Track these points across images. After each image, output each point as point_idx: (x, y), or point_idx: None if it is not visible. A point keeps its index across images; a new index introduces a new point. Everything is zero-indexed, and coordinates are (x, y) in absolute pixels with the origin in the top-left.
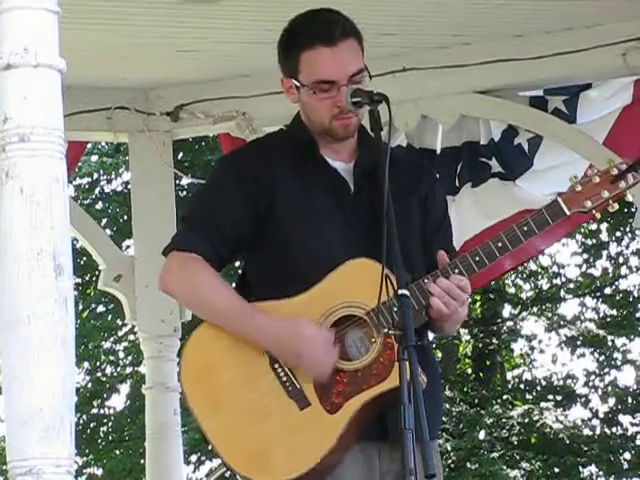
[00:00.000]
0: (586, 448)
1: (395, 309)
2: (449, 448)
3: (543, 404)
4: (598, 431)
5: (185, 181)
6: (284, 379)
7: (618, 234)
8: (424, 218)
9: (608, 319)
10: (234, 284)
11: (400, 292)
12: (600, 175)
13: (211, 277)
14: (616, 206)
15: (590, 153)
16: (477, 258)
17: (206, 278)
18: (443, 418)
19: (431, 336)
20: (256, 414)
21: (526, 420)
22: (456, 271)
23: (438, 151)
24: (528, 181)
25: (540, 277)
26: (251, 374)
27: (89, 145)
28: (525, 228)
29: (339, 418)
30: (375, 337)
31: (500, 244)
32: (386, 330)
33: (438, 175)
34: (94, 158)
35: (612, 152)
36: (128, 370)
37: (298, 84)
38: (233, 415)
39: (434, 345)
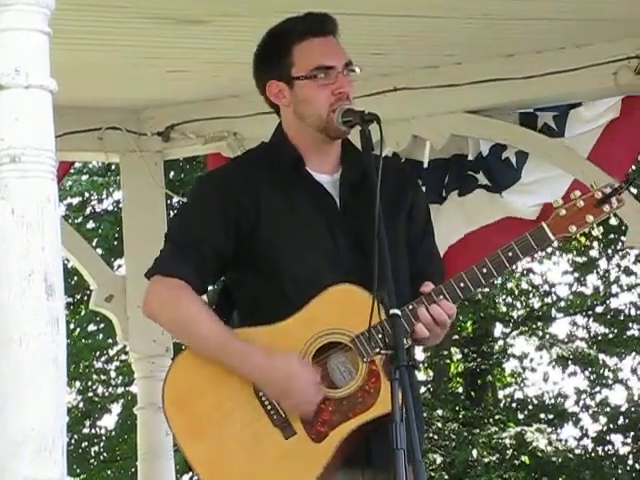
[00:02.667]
0: (578, 471)
1: (380, 335)
2: (442, 466)
3: (535, 426)
4: (590, 450)
5: (176, 200)
6: (268, 407)
7: (609, 252)
8: (409, 226)
9: (599, 338)
10: (216, 298)
11: (392, 312)
12: (584, 199)
13: (198, 306)
14: (600, 229)
15: (579, 171)
16: (462, 284)
17: (192, 307)
18: (435, 436)
19: (420, 357)
20: (241, 443)
21: (518, 442)
22: (441, 297)
23: (425, 165)
24: (515, 194)
25: (531, 296)
26: (235, 402)
27: (78, 164)
28: (510, 254)
29: (325, 447)
30: (360, 364)
31: (485, 270)
32: (377, 350)
33: (425, 186)
34: (85, 177)
35: (598, 168)
36: (120, 390)
37: (291, 80)
38: (218, 444)
39: (425, 364)
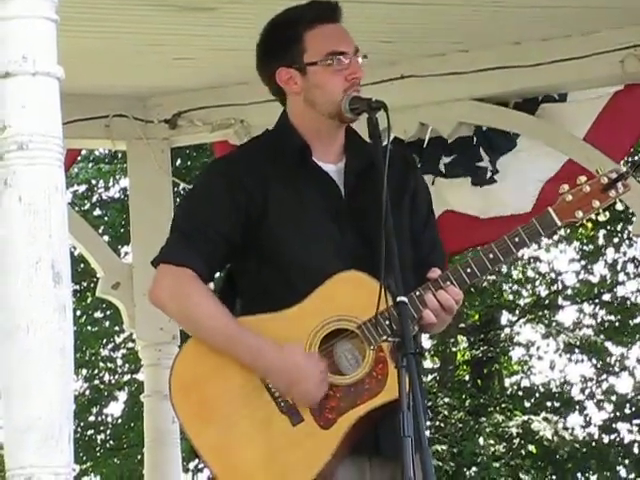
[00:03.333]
0: (584, 460)
1: (387, 322)
2: (449, 456)
3: (542, 415)
4: (596, 438)
5: (183, 187)
6: (276, 394)
7: (616, 240)
8: (412, 215)
9: (606, 325)
10: (220, 285)
11: (399, 299)
12: (590, 185)
13: (206, 299)
14: (607, 214)
15: (586, 161)
16: (468, 270)
17: (202, 300)
18: (441, 424)
19: (426, 344)
20: (248, 430)
21: (525, 430)
22: (447, 283)
23: (425, 145)
24: (510, 162)
25: (538, 284)
26: (242, 389)
27: (84, 152)
28: (516, 239)
29: (333, 434)
30: (367, 350)
31: (491, 255)
32: (385, 337)
33: (422, 162)
34: (91, 165)
35: (607, 158)
36: (126, 378)
37: (303, 66)
38: (225, 431)
39: (432, 352)
